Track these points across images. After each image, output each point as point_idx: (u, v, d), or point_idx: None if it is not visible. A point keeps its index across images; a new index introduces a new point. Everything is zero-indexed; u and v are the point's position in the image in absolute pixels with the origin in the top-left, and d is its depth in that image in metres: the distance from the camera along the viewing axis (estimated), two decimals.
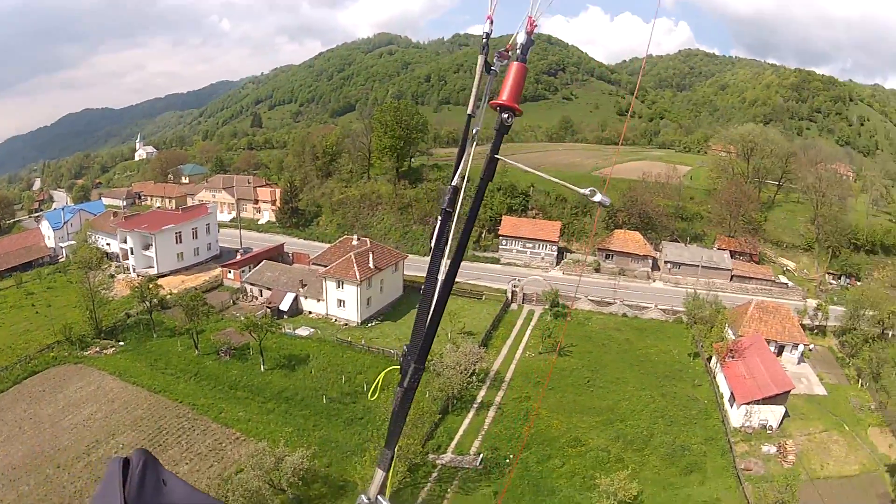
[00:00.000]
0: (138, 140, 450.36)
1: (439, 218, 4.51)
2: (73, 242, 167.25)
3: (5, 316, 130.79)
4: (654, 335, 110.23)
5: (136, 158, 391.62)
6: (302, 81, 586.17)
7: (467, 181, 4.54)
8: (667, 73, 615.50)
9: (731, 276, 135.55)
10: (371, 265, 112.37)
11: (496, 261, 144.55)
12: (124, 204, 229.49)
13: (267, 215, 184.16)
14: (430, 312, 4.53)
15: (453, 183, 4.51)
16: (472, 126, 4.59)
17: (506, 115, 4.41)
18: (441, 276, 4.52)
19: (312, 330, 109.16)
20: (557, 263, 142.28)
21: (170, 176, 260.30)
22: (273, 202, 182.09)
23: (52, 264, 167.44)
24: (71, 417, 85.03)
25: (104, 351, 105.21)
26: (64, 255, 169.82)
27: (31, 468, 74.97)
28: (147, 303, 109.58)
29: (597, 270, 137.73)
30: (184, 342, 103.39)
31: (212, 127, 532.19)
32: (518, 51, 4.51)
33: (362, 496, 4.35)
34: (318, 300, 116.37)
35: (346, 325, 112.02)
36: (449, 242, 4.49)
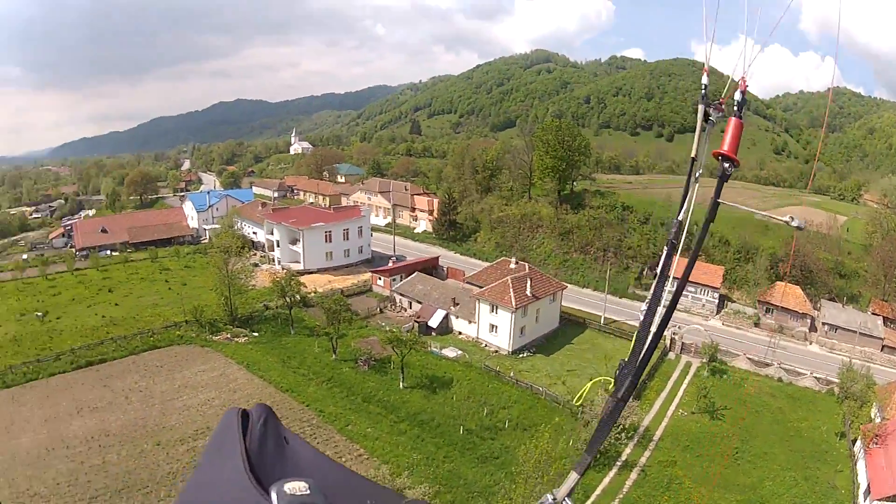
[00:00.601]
0: (294, 135, 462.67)
1: (665, 248, 4.76)
2: (216, 226, 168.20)
3: (134, 287, 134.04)
4: (807, 406, 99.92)
5: (291, 152, 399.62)
6: (461, 92, 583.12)
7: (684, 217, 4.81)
8: (818, 112, 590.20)
9: (882, 347, 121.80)
10: (528, 293, 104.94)
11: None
12: (276, 195, 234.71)
13: (423, 224, 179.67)
14: (651, 336, 4.49)
15: (679, 218, 4.75)
16: (695, 169, 4.79)
17: (727, 165, 4.61)
18: (664, 303, 4.58)
19: (460, 352, 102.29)
20: (718, 312, 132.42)
21: (325, 173, 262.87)
22: (430, 212, 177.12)
23: (192, 244, 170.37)
24: (185, 399, 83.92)
25: (235, 339, 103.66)
26: (207, 237, 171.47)
27: (127, 439, 74.38)
28: (287, 298, 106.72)
29: (756, 325, 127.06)
30: (322, 344, 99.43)
31: (369, 130, 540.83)
32: (735, 107, 4.76)
33: (548, 495, 4.18)
34: (470, 322, 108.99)
35: (497, 352, 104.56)
36: (672, 272, 4.69)
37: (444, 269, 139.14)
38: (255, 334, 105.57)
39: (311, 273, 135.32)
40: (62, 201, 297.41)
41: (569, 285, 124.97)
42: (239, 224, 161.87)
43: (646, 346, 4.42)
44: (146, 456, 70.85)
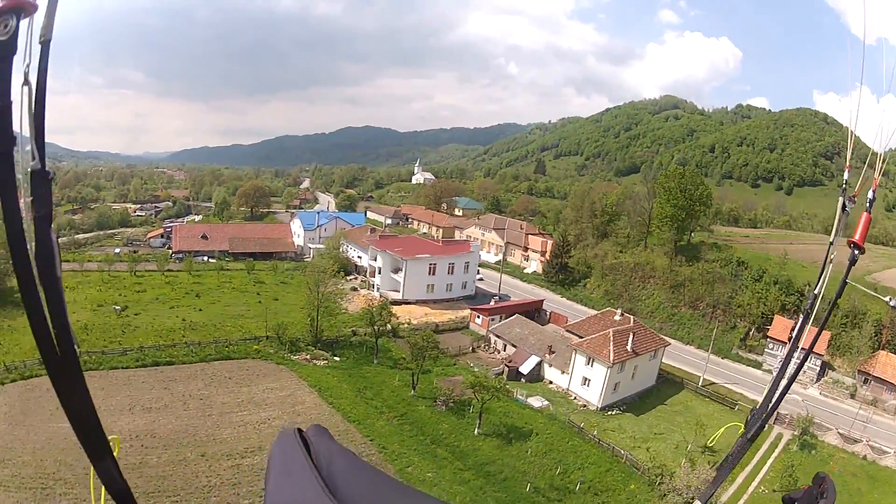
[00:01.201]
0: (417, 164, 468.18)
1: (801, 316, 5.23)
2: (322, 246, 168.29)
3: (224, 295, 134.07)
4: (884, 487, 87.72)
5: (413, 181, 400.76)
6: (589, 135, 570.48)
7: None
8: None
9: None
10: (629, 348, 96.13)
11: (758, 365, 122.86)
12: (389, 222, 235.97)
13: (534, 265, 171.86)
14: (779, 390, 4.88)
15: (815, 291, 5.22)
16: (831, 251, 5.20)
17: (857, 251, 5.04)
18: (791, 367, 5.07)
19: (546, 403, 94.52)
20: (818, 380, 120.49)
21: (444, 205, 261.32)
22: (543, 253, 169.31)
23: (294, 261, 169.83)
24: (245, 414, 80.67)
25: (315, 361, 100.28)
26: (311, 256, 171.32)
27: (172, 444, 72.25)
28: (374, 327, 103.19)
29: (852, 396, 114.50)
30: (402, 378, 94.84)
31: (495, 166, 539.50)
32: (867, 203, 5.20)
33: None
34: (563, 372, 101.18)
35: (585, 406, 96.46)
36: (803, 338, 5.19)
37: (548, 313, 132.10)
38: (337, 359, 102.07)
39: (409, 304, 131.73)
40: (170, 203, 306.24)
41: (672, 341, 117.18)
42: (345, 247, 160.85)
43: (774, 399, 4.79)
44: (187, 465, 68.46)
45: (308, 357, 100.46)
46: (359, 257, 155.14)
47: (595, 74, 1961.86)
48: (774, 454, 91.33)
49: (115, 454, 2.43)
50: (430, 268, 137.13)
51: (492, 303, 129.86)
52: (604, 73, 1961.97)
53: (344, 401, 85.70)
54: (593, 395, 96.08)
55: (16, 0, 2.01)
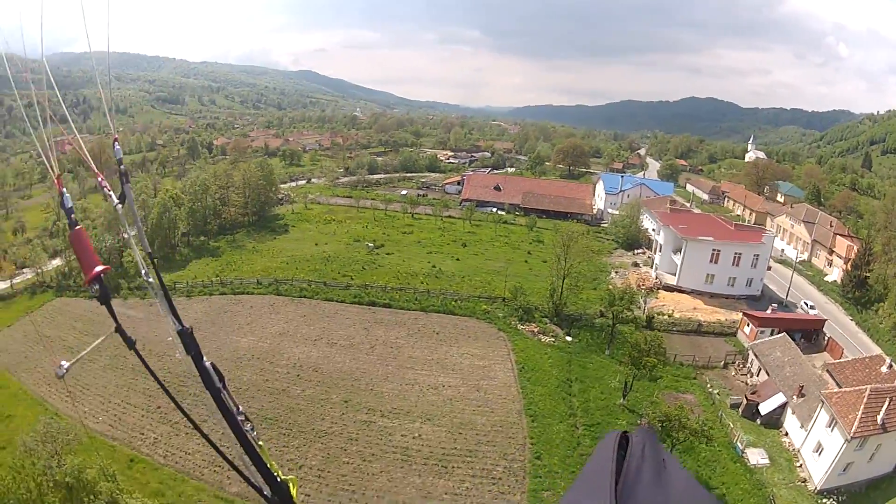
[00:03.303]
0: (751, 142, 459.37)
1: None
2: (617, 212, 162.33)
3: (492, 249, 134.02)
4: None
5: (746, 159, 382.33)
6: None
7: None
8: None
9: None
10: (879, 419, 66.44)
11: None
12: (705, 198, 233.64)
13: (836, 273, 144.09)
14: None
15: None
16: None
17: None
18: None
19: (766, 462, 71.90)
20: None
21: (766, 188, 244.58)
22: (847, 260, 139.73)
23: (589, 224, 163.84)
24: (423, 374, 78.70)
25: (540, 335, 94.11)
26: (608, 220, 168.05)
27: (326, 383, 75.36)
28: (612, 312, 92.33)
29: None
30: (624, 378, 79.65)
31: (827, 154, 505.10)
32: None
33: None
34: (802, 426, 74.88)
35: (804, 483, 70.58)
36: None
37: (826, 338, 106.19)
38: (569, 339, 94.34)
39: (683, 292, 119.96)
40: (487, 154, 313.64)
41: None
42: (644, 216, 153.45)
43: None
44: (323, 405, 69.78)
45: (536, 329, 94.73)
46: (653, 230, 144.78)
47: None
48: None
49: (293, 494, 2.83)
50: (712, 254, 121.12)
51: (769, 310, 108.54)
52: None
53: (539, 388, 77.91)
54: (818, 471, 70.88)
55: (93, 274, 3.03)
